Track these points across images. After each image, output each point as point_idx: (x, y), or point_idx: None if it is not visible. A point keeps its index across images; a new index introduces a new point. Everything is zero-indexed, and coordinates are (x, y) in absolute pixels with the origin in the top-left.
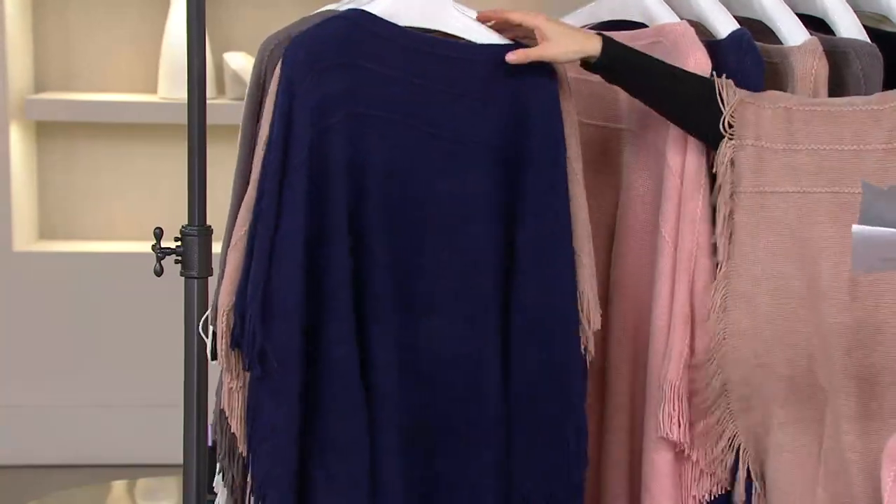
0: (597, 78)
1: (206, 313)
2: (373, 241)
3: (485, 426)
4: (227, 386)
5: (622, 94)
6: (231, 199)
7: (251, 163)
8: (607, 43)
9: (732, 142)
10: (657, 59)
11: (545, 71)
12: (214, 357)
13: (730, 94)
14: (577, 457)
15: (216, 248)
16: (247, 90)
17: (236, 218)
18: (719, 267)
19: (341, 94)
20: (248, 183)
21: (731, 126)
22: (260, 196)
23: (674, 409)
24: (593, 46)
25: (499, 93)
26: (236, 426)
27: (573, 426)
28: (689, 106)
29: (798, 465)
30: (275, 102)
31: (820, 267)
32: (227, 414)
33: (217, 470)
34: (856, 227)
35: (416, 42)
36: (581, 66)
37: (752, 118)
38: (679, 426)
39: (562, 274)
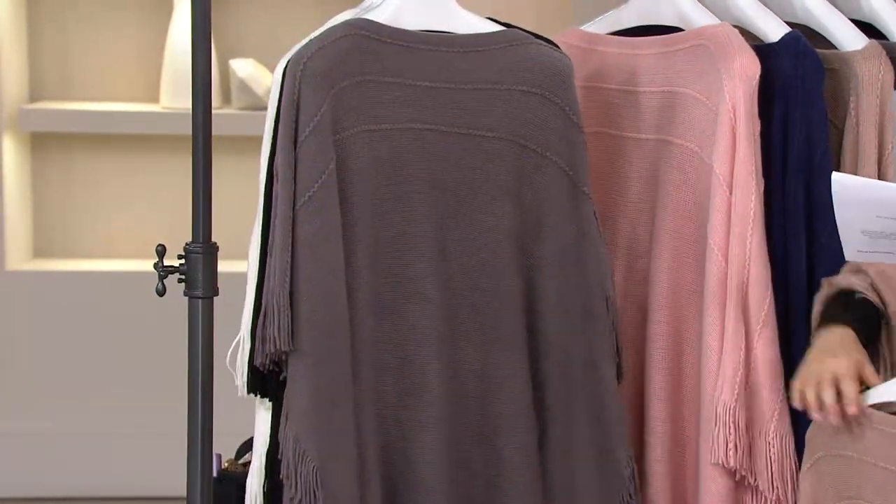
0: (611, 85)
1: (236, 340)
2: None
3: None
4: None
5: (645, 104)
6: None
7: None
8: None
9: None
10: None
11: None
12: (251, 390)
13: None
14: None
15: (222, 266)
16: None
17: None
18: None
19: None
20: None
21: None
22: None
23: (729, 434)
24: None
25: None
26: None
27: None
28: None
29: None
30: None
31: None
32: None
33: None
34: None
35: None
36: None
37: None
38: (736, 451)
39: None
